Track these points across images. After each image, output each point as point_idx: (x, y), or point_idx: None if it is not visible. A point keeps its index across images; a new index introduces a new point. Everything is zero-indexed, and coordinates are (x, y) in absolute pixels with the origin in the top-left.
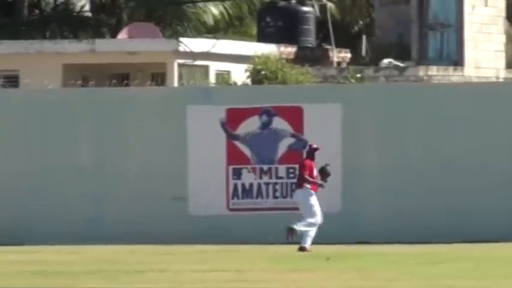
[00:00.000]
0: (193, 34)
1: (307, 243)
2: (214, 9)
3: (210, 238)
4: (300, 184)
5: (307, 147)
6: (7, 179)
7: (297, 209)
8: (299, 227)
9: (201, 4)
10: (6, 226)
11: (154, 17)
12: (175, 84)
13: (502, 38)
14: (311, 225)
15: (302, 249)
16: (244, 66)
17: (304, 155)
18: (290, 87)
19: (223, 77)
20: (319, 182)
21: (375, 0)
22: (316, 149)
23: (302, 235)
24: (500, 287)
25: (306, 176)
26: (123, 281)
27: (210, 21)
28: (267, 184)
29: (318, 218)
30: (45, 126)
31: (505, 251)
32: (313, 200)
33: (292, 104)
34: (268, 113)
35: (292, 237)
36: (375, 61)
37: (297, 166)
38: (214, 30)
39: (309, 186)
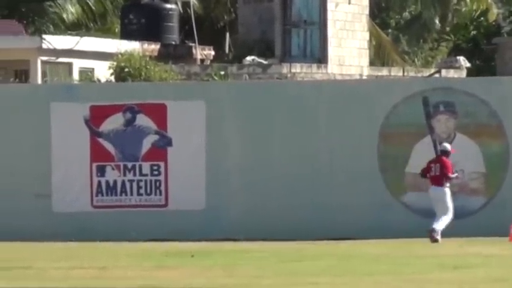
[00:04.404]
0: (56, 31)
1: (439, 235)
2: (71, 8)
3: (74, 235)
4: (440, 183)
5: (446, 147)
6: None
7: (161, 206)
8: (439, 226)
9: (61, 1)
10: None
11: (17, 14)
12: (39, 81)
13: (366, 36)
14: (446, 221)
15: (435, 240)
16: (107, 63)
17: (441, 154)
18: (154, 85)
19: (86, 74)
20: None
21: None
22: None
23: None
24: (362, 284)
25: (451, 175)
26: None
27: (69, 18)
28: (131, 181)
29: (451, 214)
30: None
31: (368, 248)
32: (449, 198)
33: (155, 101)
34: (132, 110)
35: (435, 237)
36: (238, 58)
37: (160, 163)
38: (78, 28)
39: (448, 185)
